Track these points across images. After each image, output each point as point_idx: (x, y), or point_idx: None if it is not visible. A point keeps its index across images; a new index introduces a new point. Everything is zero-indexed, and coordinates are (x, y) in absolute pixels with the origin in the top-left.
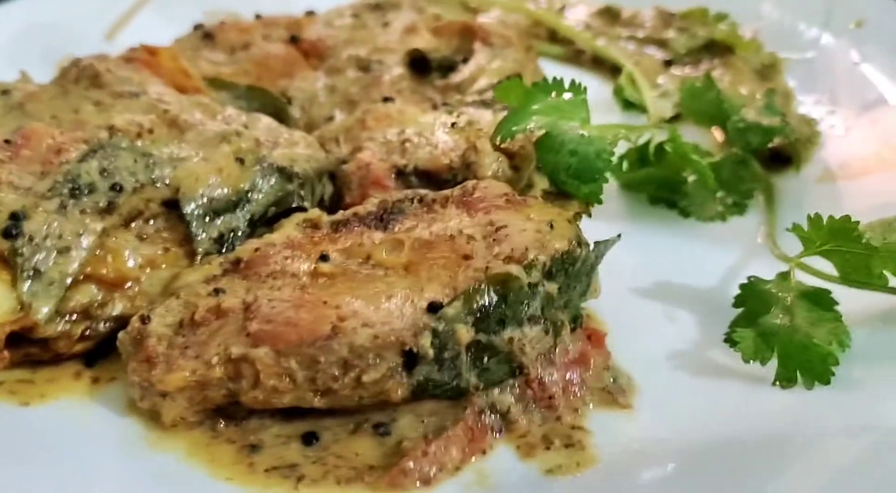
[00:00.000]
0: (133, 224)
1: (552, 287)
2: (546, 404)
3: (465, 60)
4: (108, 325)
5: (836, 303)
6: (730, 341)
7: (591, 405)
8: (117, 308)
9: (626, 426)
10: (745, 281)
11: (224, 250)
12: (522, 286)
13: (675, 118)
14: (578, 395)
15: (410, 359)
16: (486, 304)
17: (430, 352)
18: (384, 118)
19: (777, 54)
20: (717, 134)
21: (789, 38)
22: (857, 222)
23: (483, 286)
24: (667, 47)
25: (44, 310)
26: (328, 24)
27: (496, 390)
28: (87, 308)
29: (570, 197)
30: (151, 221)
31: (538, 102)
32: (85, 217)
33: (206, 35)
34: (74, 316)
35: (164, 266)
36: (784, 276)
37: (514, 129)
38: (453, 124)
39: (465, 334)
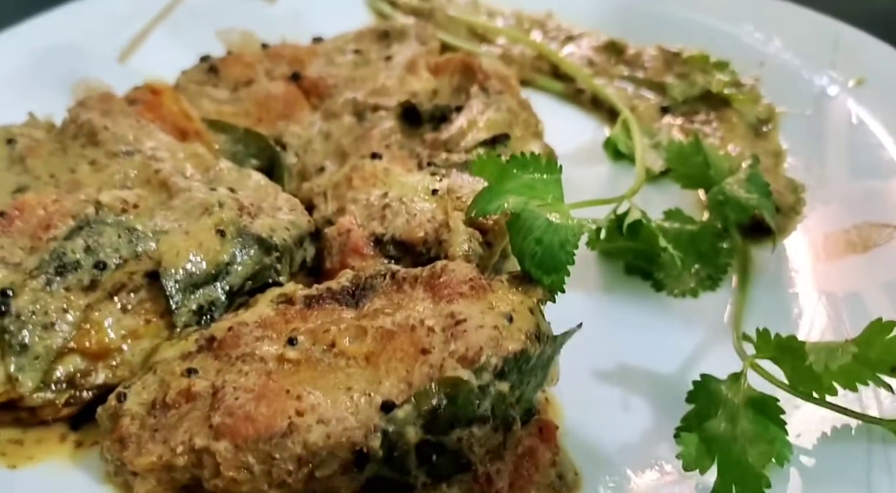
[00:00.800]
0: (116, 297)
1: (503, 386)
2: None
3: (459, 109)
4: (91, 393)
5: (782, 412)
6: (678, 437)
7: None
8: (100, 377)
9: None
10: (699, 378)
11: (203, 322)
12: (472, 389)
13: (665, 172)
14: (524, 490)
15: (361, 458)
16: (436, 406)
17: (380, 452)
18: (370, 177)
19: (774, 108)
20: (702, 194)
21: (790, 88)
22: (803, 343)
23: (434, 388)
24: (665, 93)
25: (29, 383)
26: (330, 60)
27: (444, 485)
28: (72, 378)
29: (532, 281)
30: (133, 294)
31: (513, 178)
32: (70, 294)
33: (211, 69)
34: (59, 385)
35: (145, 338)
36: (735, 377)
37: (487, 207)
38: (434, 191)
39: (414, 435)
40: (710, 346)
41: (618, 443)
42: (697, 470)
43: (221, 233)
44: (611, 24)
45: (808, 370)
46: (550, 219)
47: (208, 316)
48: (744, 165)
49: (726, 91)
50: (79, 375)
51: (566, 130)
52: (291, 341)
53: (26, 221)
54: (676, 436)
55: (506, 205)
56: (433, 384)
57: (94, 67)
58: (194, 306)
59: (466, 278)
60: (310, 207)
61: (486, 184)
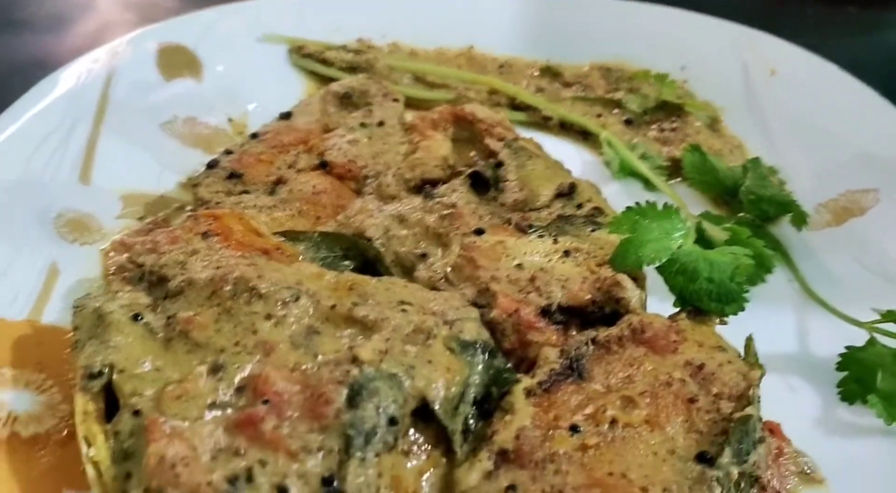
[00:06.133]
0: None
1: (759, 408)
2: None
3: (500, 165)
4: None
5: None
6: (851, 401)
7: (801, 489)
8: None
9: None
10: (844, 350)
11: (466, 441)
12: (755, 419)
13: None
14: (791, 483)
15: None
16: (741, 443)
17: None
18: (491, 253)
19: (713, 104)
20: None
21: (716, 85)
22: None
23: (734, 430)
24: (621, 108)
25: None
26: (343, 139)
27: None
28: None
29: (705, 312)
30: (408, 435)
31: (648, 228)
32: (380, 458)
33: (232, 175)
34: None
35: (431, 471)
36: (871, 342)
37: (641, 259)
38: (566, 253)
39: (735, 472)
40: (805, 318)
41: (809, 420)
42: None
43: (452, 351)
44: (531, 48)
45: None
46: (710, 258)
47: (469, 432)
48: (748, 164)
49: (677, 99)
50: None
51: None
52: (574, 429)
53: (292, 402)
54: (848, 400)
55: (657, 253)
56: (733, 426)
57: (61, 197)
58: (460, 427)
59: (668, 326)
60: None
61: (611, 237)
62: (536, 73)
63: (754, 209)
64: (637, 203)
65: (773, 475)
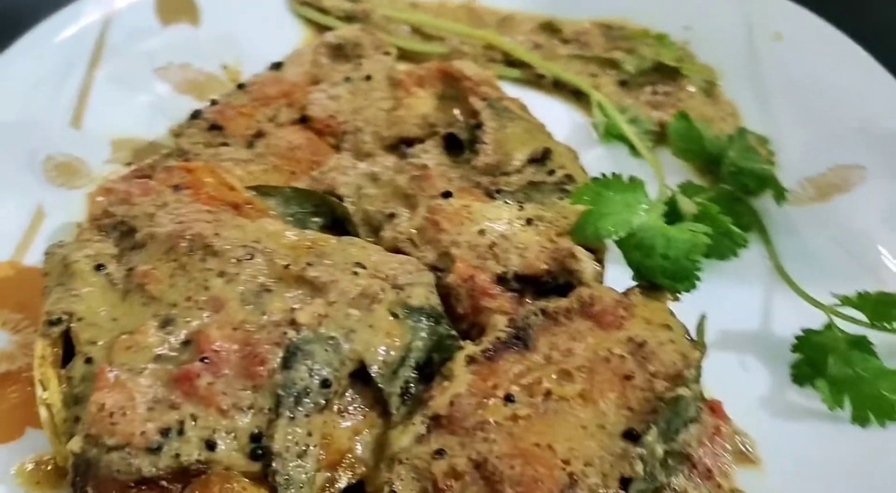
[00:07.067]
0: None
1: (697, 388)
2: (707, 477)
3: (479, 126)
4: None
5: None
6: (801, 383)
7: (734, 467)
8: (343, 481)
9: (763, 478)
10: (785, 328)
11: (405, 402)
12: (687, 399)
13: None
14: (725, 462)
15: (625, 482)
16: (669, 422)
17: (641, 474)
18: (455, 217)
19: (712, 67)
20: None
21: (718, 47)
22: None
23: (663, 410)
24: (617, 68)
25: None
26: (325, 94)
27: (673, 480)
28: (323, 491)
29: (659, 287)
30: (345, 395)
31: (610, 200)
32: (310, 418)
33: (213, 127)
34: None
35: (365, 431)
36: (828, 326)
37: (600, 230)
38: (528, 220)
39: (660, 451)
40: (770, 296)
41: (757, 400)
42: (838, 407)
43: (395, 316)
44: (534, 1)
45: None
46: (668, 234)
47: (408, 396)
48: (734, 135)
49: (674, 62)
50: (327, 486)
51: (540, 117)
52: (509, 399)
53: (229, 360)
54: (798, 383)
55: (616, 226)
56: (662, 407)
57: (51, 140)
58: (398, 390)
59: (616, 301)
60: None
61: (577, 207)
62: (536, 29)
63: (735, 182)
64: (613, 173)
65: (706, 453)
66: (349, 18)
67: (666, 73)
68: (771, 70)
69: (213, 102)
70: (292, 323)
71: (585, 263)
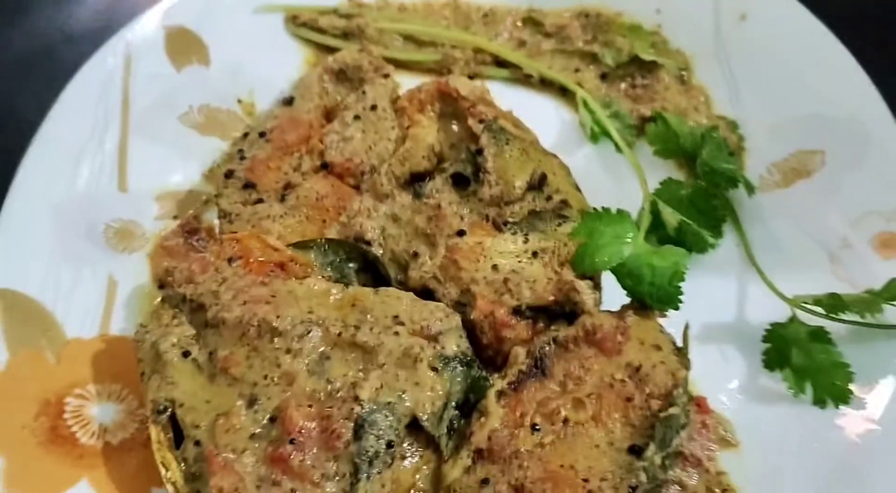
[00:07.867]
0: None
1: (685, 399)
2: (697, 465)
3: (480, 151)
4: None
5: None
6: (772, 370)
7: (718, 453)
8: None
9: (743, 459)
10: (762, 320)
11: (450, 439)
12: (678, 415)
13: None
14: (712, 451)
15: (633, 489)
16: (664, 435)
17: (646, 481)
18: (471, 255)
19: (684, 52)
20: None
21: (688, 30)
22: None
23: (659, 427)
24: (597, 61)
25: None
26: (339, 136)
27: (671, 473)
28: None
29: (649, 306)
30: (403, 443)
31: (603, 234)
32: (382, 476)
33: (246, 185)
34: None
35: (424, 467)
36: (791, 319)
37: (596, 264)
38: (534, 253)
39: (659, 459)
40: (745, 288)
41: (735, 387)
42: (802, 393)
43: (435, 369)
44: None
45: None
46: (653, 264)
47: (452, 431)
48: (707, 133)
49: (649, 54)
50: None
51: (531, 117)
52: (535, 428)
53: (311, 437)
54: (769, 369)
55: (609, 258)
56: (658, 426)
57: (106, 208)
58: (445, 431)
59: (615, 327)
60: (426, 291)
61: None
62: (519, 23)
63: (708, 180)
64: (602, 208)
65: (695, 445)
66: (345, 35)
67: (643, 65)
68: (737, 52)
69: (242, 156)
70: (356, 399)
71: (586, 294)
